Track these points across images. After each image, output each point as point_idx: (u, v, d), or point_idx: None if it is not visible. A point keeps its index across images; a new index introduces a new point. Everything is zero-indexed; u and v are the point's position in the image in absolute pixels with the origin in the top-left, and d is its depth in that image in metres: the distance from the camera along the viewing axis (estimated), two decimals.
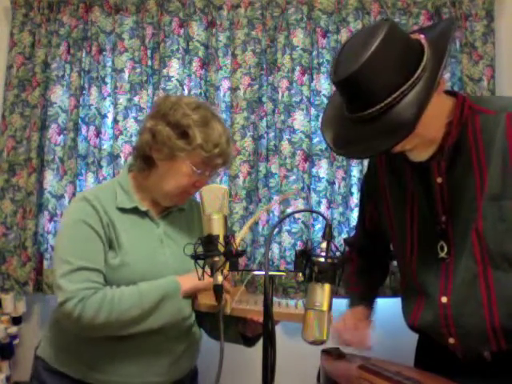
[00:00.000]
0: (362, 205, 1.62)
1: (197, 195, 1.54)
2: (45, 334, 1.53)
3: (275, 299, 1.30)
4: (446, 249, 1.33)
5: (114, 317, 1.32)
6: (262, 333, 1.08)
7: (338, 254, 1.05)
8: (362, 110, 1.17)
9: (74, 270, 1.35)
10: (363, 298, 1.56)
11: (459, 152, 1.29)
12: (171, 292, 1.37)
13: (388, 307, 1.78)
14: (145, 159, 1.46)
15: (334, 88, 1.36)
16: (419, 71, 1.16)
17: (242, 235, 1.53)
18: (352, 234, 1.76)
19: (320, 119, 1.36)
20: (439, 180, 1.32)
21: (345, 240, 1.74)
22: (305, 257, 1.04)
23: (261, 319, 1.33)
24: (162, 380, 1.45)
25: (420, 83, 1.16)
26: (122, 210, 1.45)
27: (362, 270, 1.60)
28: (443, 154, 1.29)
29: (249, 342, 1.51)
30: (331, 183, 2.25)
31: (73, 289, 1.33)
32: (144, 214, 1.48)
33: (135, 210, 1.46)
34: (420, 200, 1.38)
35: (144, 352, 1.41)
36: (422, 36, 1.23)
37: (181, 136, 1.40)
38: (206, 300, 1.39)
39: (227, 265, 1.09)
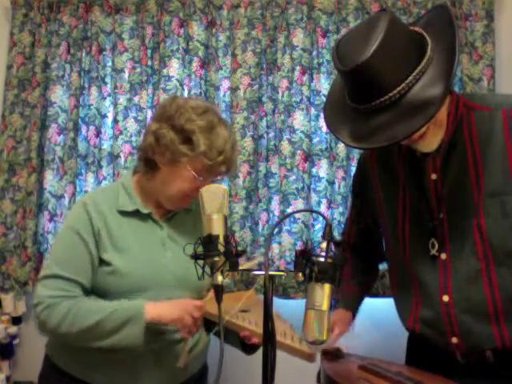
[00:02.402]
0: (355, 205, 1.60)
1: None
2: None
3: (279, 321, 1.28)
4: (436, 246, 1.33)
5: (76, 330, 1.33)
6: (259, 344, 1.07)
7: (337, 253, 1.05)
8: (376, 98, 1.16)
9: (51, 276, 1.38)
10: (348, 302, 1.55)
11: (454, 149, 1.29)
12: (134, 317, 1.33)
13: (387, 307, 1.78)
14: (148, 162, 1.44)
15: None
16: (429, 52, 1.17)
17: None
18: (342, 234, 1.72)
19: (325, 121, 1.33)
20: (433, 177, 1.31)
21: (335, 242, 1.71)
22: (305, 257, 1.04)
23: (253, 339, 1.34)
24: (166, 383, 1.44)
25: (434, 62, 1.16)
26: (123, 213, 1.44)
27: (354, 272, 1.58)
28: (438, 150, 1.29)
29: (247, 349, 1.49)
30: (331, 183, 2.25)
31: (44, 294, 1.36)
32: (146, 217, 1.46)
33: (137, 213, 1.45)
34: (412, 197, 1.37)
35: (144, 355, 1.40)
36: (415, 27, 1.26)
37: (184, 141, 1.38)
38: (207, 307, 1.39)
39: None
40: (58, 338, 1.40)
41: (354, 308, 1.55)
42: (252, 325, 1.33)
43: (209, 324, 1.49)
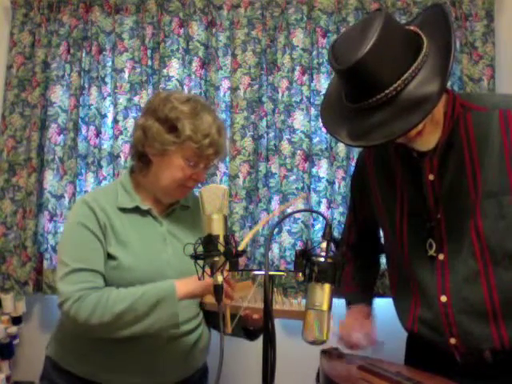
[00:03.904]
0: (354, 205, 1.61)
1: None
2: (53, 333, 1.53)
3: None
4: (434, 247, 1.33)
5: (108, 319, 1.32)
6: (261, 322, 1.08)
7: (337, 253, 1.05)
8: (373, 96, 1.15)
9: (70, 271, 1.37)
10: (363, 296, 1.56)
11: (451, 149, 1.29)
12: (166, 297, 1.34)
13: (387, 307, 1.78)
14: (140, 157, 1.47)
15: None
16: (424, 49, 1.17)
17: (245, 241, 1.53)
18: (342, 234, 1.73)
19: (322, 123, 1.33)
20: (431, 177, 1.31)
21: (335, 241, 1.71)
22: (305, 257, 1.04)
23: (254, 316, 1.36)
24: (166, 379, 1.45)
25: (429, 59, 1.16)
26: (123, 210, 1.46)
27: (358, 269, 1.59)
28: (435, 150, 1.29)
29: (251, 335, 1.51)
30: (331, 183, 2.25)
31: (69, 290, 1.35)
32: (146, 213, 1.48)
33: (137, 210, 1.47)
34: (410, 198, 1.37)
35: (150, 351, 1.40)
36: (410, 26, 1.26)
37: (170, 130, 1.41)
38: (211, 299, 1.40)
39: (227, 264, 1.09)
40: (90, 332, 1.37)
41: (369, 300, 1.56)
42: (251, 303, 1.36)
43: (207, 315, 1.50)
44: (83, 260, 1.38)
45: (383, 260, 1.73)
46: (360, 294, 1.56)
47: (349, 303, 1.56)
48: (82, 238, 1.41)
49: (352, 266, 1.59)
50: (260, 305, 1.08)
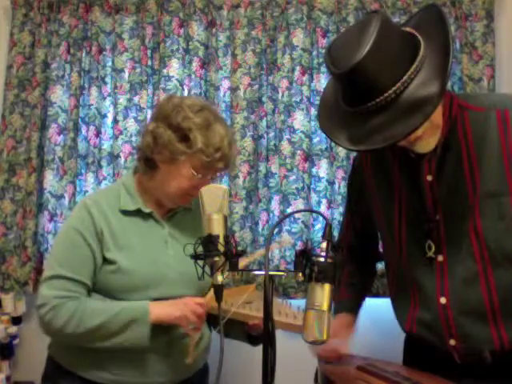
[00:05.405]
0: (351, 206, 1.59)
1: None
2: None
3: (276, 302, 1.29)
4: (433, 248, 1.32)
5: (81, 330, 1.34)
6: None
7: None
8: (372, 99, 1.14)
9: (54, 276, 1.38)
10: (350, 305, 1.54)
11: (449, 149, 1.28)
12: (139, 318, 1.35)
13: (387, 307, 1.78)
14: (147, 161, 1.46)
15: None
16: (422, 51, 1.16)
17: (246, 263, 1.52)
18: (339, 236, 1.71)
19: (320, 127, 1.31)
20: (429, 178, 1.31)
21: (333, 245, 1.68)
22: (305, 257, 1.04)
23: (261, 325, 1.34)
24: (167, 379, 1.45)
25: (427, 60, 1.16)
26: (125, 213, 1.45)
27: (352, 275, 1.57)
28: (434, 151, 1.28)
29: (254, 341, 1.51)
30: (331, 183, 2.25)
31: (48, 295, 1.36)
32: (148, 216, 1.48)
33: (138, 212, 1.46)
34: (408, 199, 1.36)
35: (149, 352, 1.41)
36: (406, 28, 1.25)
37: (182, 139, 1.39)
38: (211, 302, 1.39)
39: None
40: (60, 338, 1.40)
41: (354, 309, 1.54)
42: (260, 313, 1.34)
43: (214, 318, 1.50)
44: (69, 267, 1.38)
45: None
46: (347, 303, 1.54)
47: (334, 311, 1.53)
48: (74, 244, 1.41)
49: (346, 270, 1.56)
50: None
